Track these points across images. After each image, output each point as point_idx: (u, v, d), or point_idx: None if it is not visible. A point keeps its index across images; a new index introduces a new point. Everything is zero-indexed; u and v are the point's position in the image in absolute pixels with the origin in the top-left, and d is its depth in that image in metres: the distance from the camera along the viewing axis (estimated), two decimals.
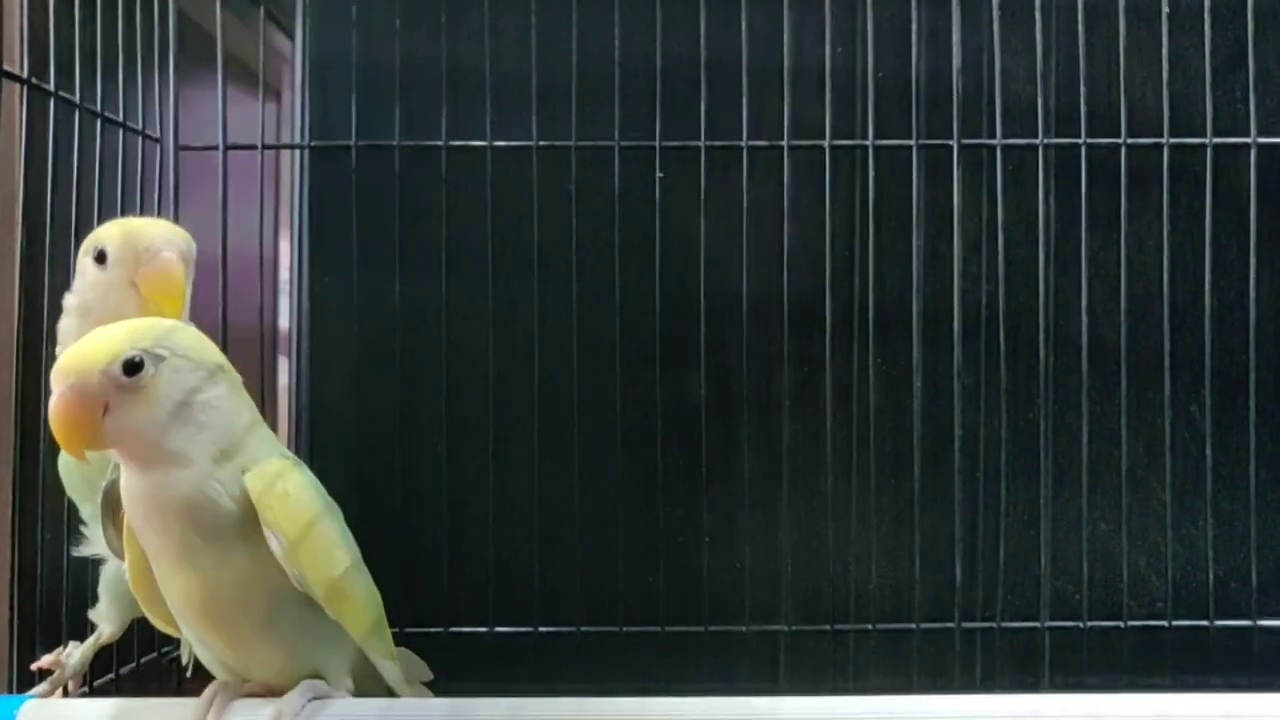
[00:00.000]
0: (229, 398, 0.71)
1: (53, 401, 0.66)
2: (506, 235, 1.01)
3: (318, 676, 0.74)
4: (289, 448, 1.05)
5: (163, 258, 0.77)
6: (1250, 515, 0.99)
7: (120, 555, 0.75)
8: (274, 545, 0.69)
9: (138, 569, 0.73)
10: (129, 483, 0.69)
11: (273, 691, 0.73)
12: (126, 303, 0.77)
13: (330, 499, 0.76)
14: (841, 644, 1.01)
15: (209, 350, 0.71)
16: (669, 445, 1.00)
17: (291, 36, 1.12)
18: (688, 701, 0.73)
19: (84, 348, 0.67)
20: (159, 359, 0.67)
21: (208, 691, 0.73)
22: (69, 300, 0.81)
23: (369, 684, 0.77)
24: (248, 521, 0.70)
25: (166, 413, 0.67)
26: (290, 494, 0.70)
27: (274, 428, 1.22)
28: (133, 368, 0.66)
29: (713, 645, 1.00)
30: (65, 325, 0.80)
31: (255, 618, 0.72)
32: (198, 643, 0.74)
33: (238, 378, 0.73)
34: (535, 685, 0.89)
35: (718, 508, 1.01)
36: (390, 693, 0.79)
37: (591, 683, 0.87)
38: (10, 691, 0.82)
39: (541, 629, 1.00)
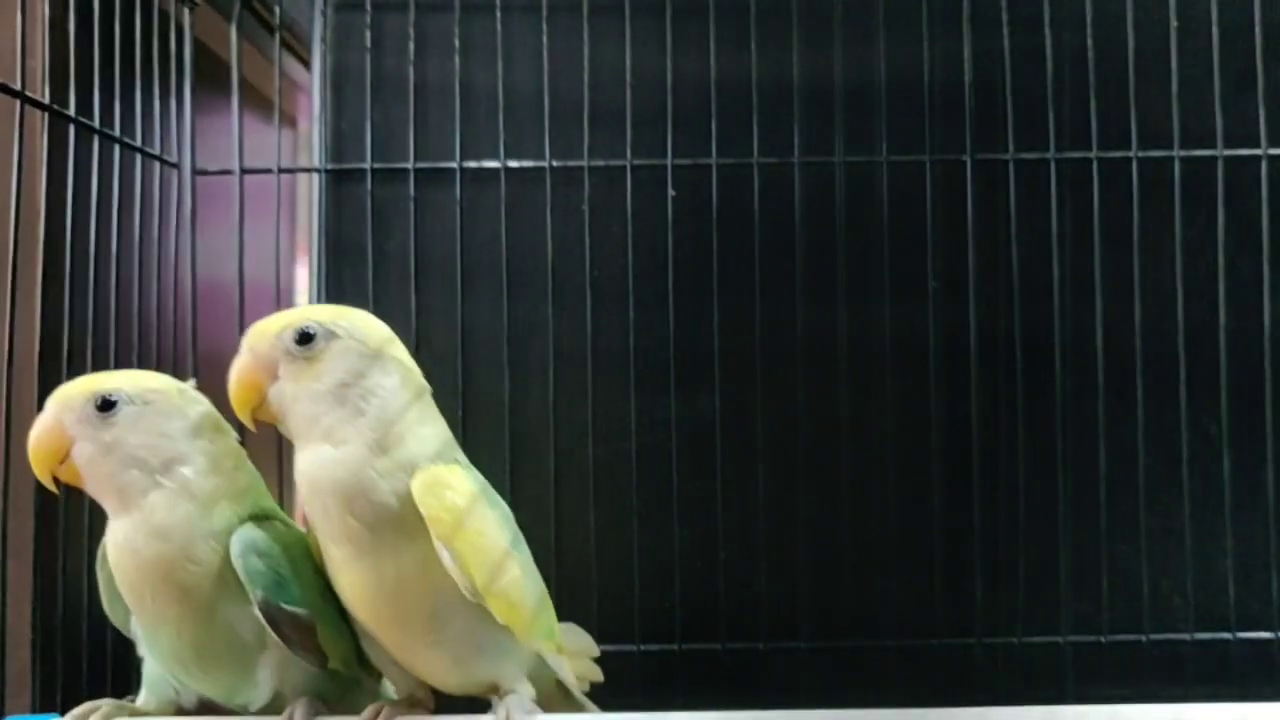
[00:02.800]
0: (396, 390, 0.70)
1: (233, 366, 0.69)
2: (521, 254, 1.02)
3: (491, 683, 0.73)
4: None
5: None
6: (1269, 529, 0.98)
7: (121, 626, 0.75)
8: (441, 554, 0.68)
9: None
10: (297, 461, 0.70)
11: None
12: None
13: (500, 500, 0.74)
14: (861, 660, 1.00)
15: (384, 339, 0.72)
16: (684, 465, 1.00)
17: (307, 64, 1.13)
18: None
19: (265, 320, 0.70)
20: (332, 336, 0.69)
21: (367, 712, 0.72)
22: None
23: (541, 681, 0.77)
24: (413, 521, 0.68)
25: (328, 389, 0.69)
26: (458, 505, 0.68)
27: None
28: (305, 338, 0.69)
29: (731, 663, 0.99)
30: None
31: (420, 619, 0.70)
32: (367, 639, 0.74)
33: (419, 379, 0.72)
34: None
35: (733, 527, 1.01)
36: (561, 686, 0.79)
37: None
38: (34, 710, 0.82)
39: None
